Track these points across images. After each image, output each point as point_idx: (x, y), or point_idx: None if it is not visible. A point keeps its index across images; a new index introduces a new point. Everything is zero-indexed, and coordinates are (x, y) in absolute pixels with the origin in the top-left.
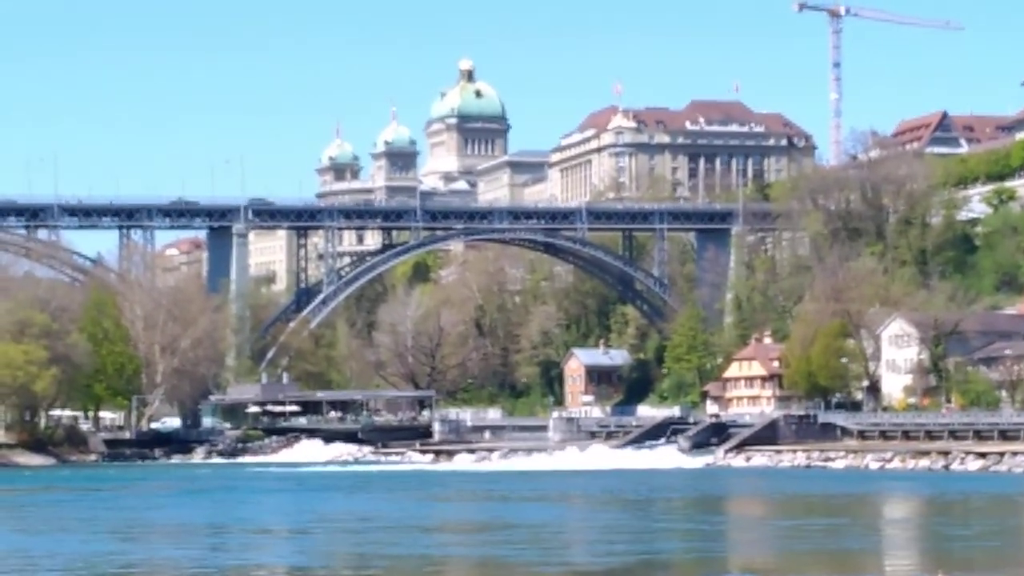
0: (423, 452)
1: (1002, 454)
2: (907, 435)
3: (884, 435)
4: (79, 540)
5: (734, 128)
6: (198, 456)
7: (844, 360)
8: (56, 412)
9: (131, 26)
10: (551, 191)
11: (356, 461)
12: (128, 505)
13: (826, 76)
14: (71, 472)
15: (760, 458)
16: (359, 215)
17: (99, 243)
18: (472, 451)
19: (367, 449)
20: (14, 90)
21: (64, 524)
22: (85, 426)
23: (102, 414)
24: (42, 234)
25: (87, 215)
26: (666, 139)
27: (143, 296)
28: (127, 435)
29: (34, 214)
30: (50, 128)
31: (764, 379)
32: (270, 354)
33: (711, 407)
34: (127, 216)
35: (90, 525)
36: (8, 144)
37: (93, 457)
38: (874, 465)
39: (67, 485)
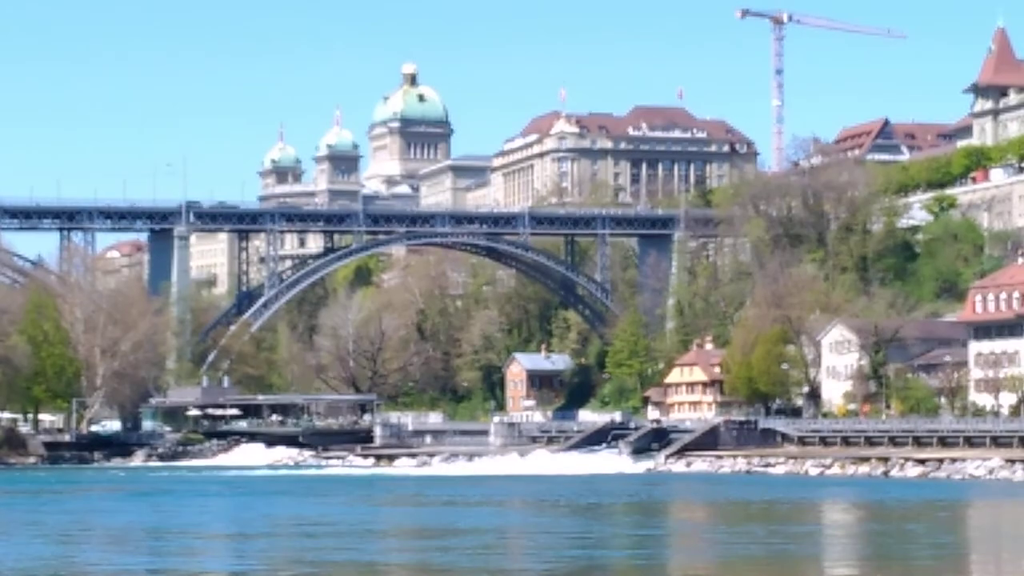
0: (364, 456)
1: (941, 460)
2: (847, 441)
3: (824, 441)
4: (19, 544)
5: (677, 134)
6: (138, 459)
7: (785, 366)
8: None
9: (74, 27)
10: (494, 196)
11: (297, 465)
12: (69, 508)
13: (769, 83)
14: (10, 474)
15: (701, 463)
16: (301, 218)
17: (39, 245)
18: (413, 455)
19: (308, 453)
20: None
21: (4, 528)
22: (24, 428)
23: (41, 416)
24: None
25: (28, 217)
26: (609, 144)
27: (83, 298)
28: (67, 438)
29: None
30: None
31: (705, 385)
32: (211, 357)
33: (652, 412)
34: (68, 218)
35: (30, 529)
36: None
37: (32, 460)
38: (814, 471)
39: (6, 488)
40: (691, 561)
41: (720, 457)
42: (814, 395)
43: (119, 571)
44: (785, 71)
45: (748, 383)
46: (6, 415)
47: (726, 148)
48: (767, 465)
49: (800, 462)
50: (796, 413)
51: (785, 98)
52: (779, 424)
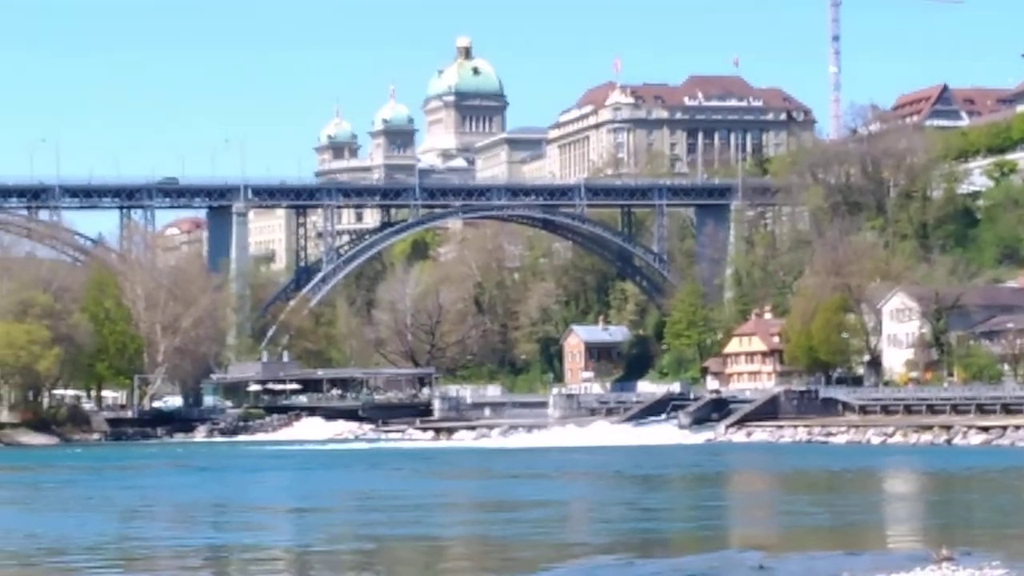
0: (423, 429)
1: (1004, 428)
2: (909, 409)
3: (886, 410)
4: (84, 520)
5: (733, 103)
6: (200, 435)
7: (845, 335)
8: (59, 392)
9: (132, 9)
10: (549, 168)
11: (357, 439)
12: (132, 484)
13: (825, 50)
14: (75, 451)
15: (761, 433)
16: (358, 193)
17: (100, 224)
18: (472, 428)
19: (367, 427)
20: (16, 72)
21: (69, 504)
22: (87, 405)
23: (104, 393)
24: (44, 215)
25: (88, 196)
26: (664, 115)
27: (144, 276)
28: (129, 414)
29: (36, 195)
30: (52, 110)
31: (764, 354)
32: (270, 333)
33: (711, 383)
34: (128, 196)
35: (95, 505)
36: (10, 126)
37: (96, 436)
38: (876, 440)
39: (70, 464)
40: (753, 531)
41: (780, 427)
42: (875, 363)
43: (183, 547)
44: (842, 37)
45: (808, 352)
46: (69, 392)
47: (783, 116)
48: (828, 435)
49: (862, 431)
50: (857, 382)
51: (842, 65)
52: (840, 393)
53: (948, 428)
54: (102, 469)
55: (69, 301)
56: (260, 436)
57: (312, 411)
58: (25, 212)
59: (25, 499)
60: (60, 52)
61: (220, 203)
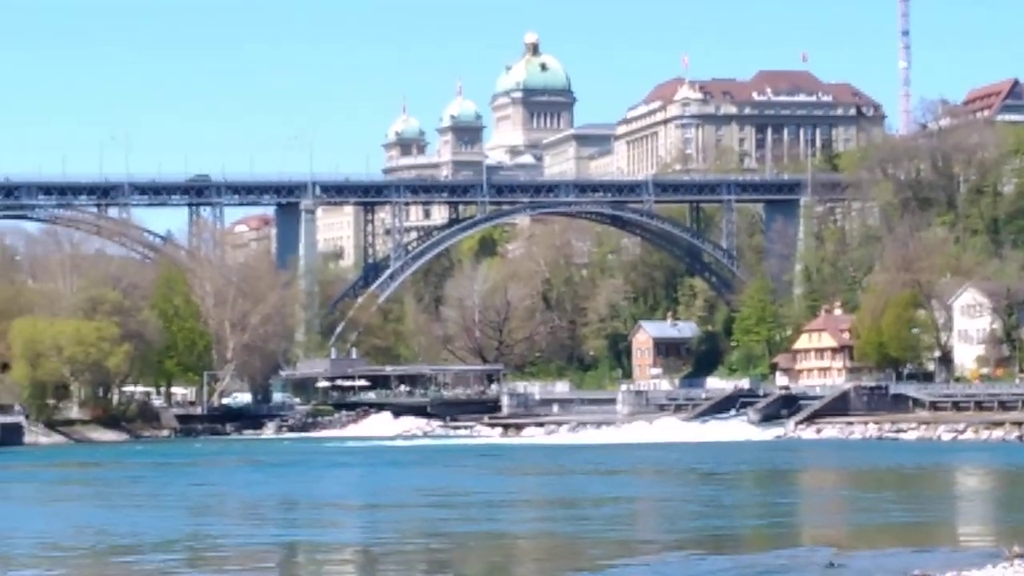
0: (492, 426)
1: None
2: (980, 406)
3: (957, 406)
4: (155, 516)
5: (802, 98)
6: (269, 431)
7: (915, 331)
8: (128, 388)
9: (200, 6)
10: (617, 164)
11: (425, 435)
12: (203, 480)
13: (895, 44)
14: (145, 447)
15: (831, 430)
16: (426, 190)
17: (169, 220)
18: (541, 424)
19: (436, 423)
20: (86, 70)
21: (141, 500)
22: (157, 402)
23: (174, 390)
24: (113, 212)
25: (157, 193)
26: (733, 110)
27: (213, 273)
28: (198, 410)
29: (105, 192)
30: (122, 107)
31: (834, 350)
32: (339, 329)
33: (780, 379)
34: (196, 193)
35: (166, 501)
36: (80, 124)
37: (165, 433)
38: (947, 436)
39: (141, 461)
40: (824, 528)
41: (851, 423)
42: (946, 359)
43: (253, 543)
44: (912, 32)
45: (878, 348)
46: (139, 389)
47: (852, 111)
48: (899, 431)
49: (932, 427)
50: (927, 378)
51: (912, 59)
52: (910, 389)
53: (1020, 424)
54: (172, 465)
55: (138, 298)
56: (328, 433)
57: (380, 407)
58: (95, 209)
59: (98, 495)
60: (130, 49)
61: (288, 200)
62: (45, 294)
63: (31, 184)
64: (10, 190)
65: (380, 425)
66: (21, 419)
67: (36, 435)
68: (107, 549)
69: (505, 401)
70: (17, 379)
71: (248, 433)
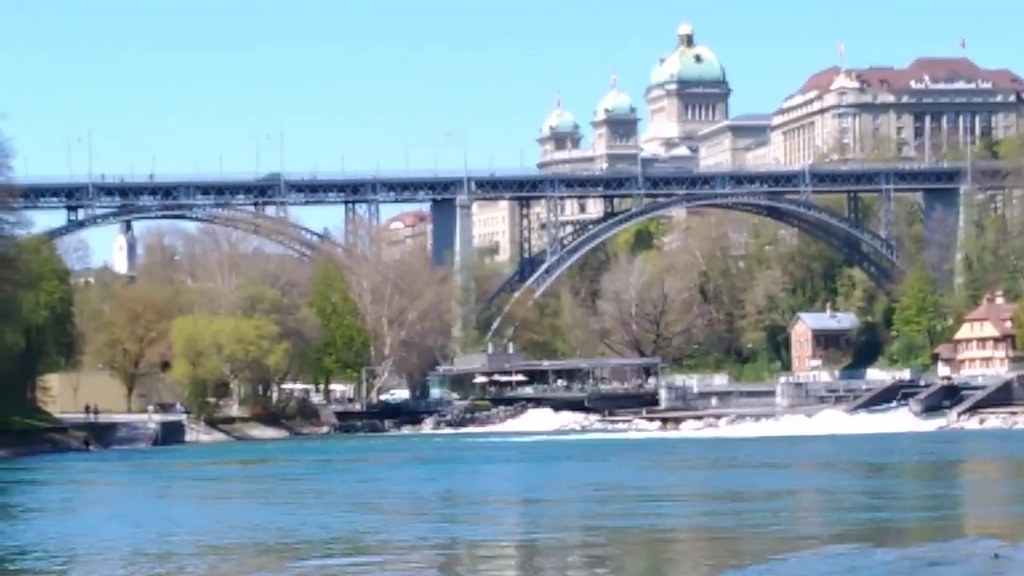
0: (650, 419)
1: None
2: None
3: None
4: (316, 513)
5: (960, 85)
6: (428, 427)
7: None
8: (288, 386)
9: (350, 3)
10: (773, 154)
11: (583, 429)
12: (363, 477)
13: None
14: (304, 444)
15: (994, 420)
16: (580, 184)
17: (325, 218)
18: (699, 418)
19: (594, 417)
20: (240, 72)
21: (301, 497)
22: (316, 399)
23: (332, 387)
24: (270, 210)
25: (313, 191)
26: (890, 98)
27: (370, 270)
28: (357, 407)
29: (262, 191)
30: (277, 106)
31: (997, 340)
32: (495, 324)
33: (942, 369)
34: (352, 191)
35: (326, 498)
36: (237, 123)
37: (325, 429)
38: None
39: (301, 457)
40: (988, 520)
41: (1015, 413)
42: None
43: (415, 540)
44: None
45: None
46: (299, 386)
47: (1012, 98)
48: None
49: None
50: None
51: None
52: None
53: None
54: (332, 462)
55: (296, 296)
56: (487, 428)
57: (538, 402)
58: (252, 208)
59: (260, 493)
60: (283, 49)
61: (444, 196)
62: (204, 293)
63: (189, 184)
64: (168, 190)
65: (538, 420)
66: (183, 417)
67: (197, 433)
68: (271, 545)
69: (663, 395)
70: (178, 378)
71: (406, 429)
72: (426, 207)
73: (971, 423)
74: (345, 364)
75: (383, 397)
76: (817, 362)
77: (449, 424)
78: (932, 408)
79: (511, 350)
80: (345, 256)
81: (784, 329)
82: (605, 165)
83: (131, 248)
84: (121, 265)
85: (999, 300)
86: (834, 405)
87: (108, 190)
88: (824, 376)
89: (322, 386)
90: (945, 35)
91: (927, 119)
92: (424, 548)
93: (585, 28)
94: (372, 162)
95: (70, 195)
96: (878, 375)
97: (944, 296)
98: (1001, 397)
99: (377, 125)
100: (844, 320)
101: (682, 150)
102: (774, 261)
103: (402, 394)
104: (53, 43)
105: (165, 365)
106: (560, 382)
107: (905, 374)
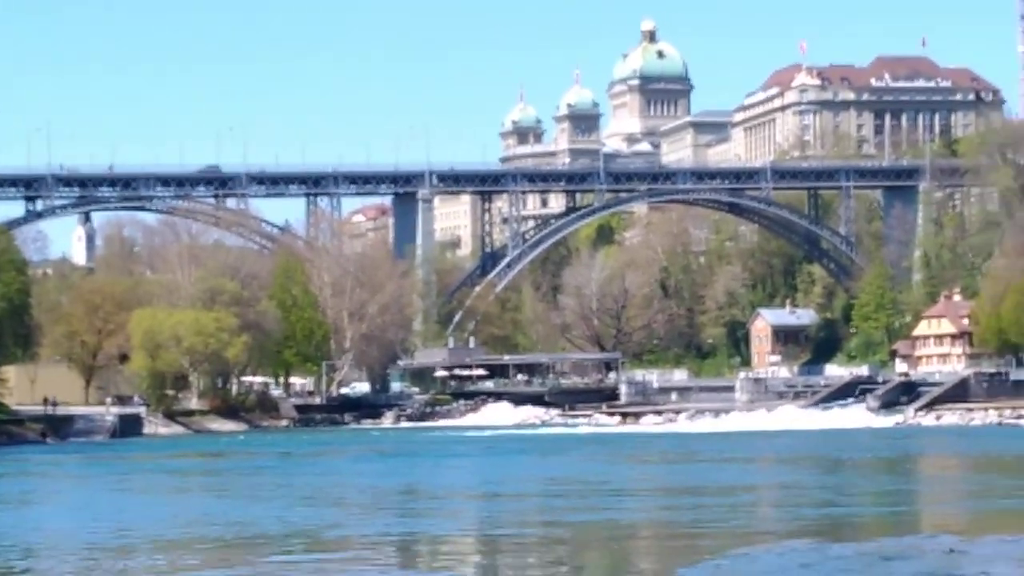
0: (610, 414)
1: None
2: None
3: None
4: (275, 507)
5: (921, 84)
6: (387, 421)
7: None
8: (247, 378)
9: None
10: (735, 151)
11: (543, 424)
12: (321, 471)
13: (1014, 28)
14: (263, 437)
15: (951, 417)
16: (543, 178)
17: (287, 211)
18: (659, 413)
19: (554, 412)
20: (202, 63)
21: (260, 491)
22: (276, 392)
23: (292, 380)
24: (231, 203)
25: (275, 183)
26: (851, 96)
27: (331, 263)
28: (317, 400)
29: (223, 183)
30: (238, 100)
31: (954, 337)
32: (456, 318)
33: (900, 366)
34: (314, 184)
35: (285, 492)
36: (197, 115)
37: (284, 423)
38: None
39: (260, 451)
40: (945, 516)
41: (971, 410)
42: None
43: (374, 534)
44: None
45: (998, 334)
46: (258, 379)
47: (971, 96)
48: (1019, 417)
49: None
50: None
51: None
52: None
53: None
54: (291, 456)
55: (257, 288)
56: (447, 422)
57: (499, 396)
58: (213, 200)
59: (219, 486)
60: (245, 41)
61: (405, 189)
62: (164, 285)
63: (149, 175)
64: (128, 181)
65: (498, 414)
66: (141, 410)
67: (155, 425)
68: (231, 540)
69: (623, 389)
70: (137, 370)
71: (366, 423)
72: (388, 200)
73: (928, 419)
74: (305, 357)
75: (343, 391)
76: (776, 358)
77: (409, 418)
78: (889, 404)
79: (472, 344)
80: (306, 249)
81: (744, 325)
82: (567, 160)
83: (90, 239)
84: (80, 256)
85: (956, 297)
86: (793, 401)
87: (67, 181)
88: (783, 372)
89: (282, 379)
90: (906, 34)
91: (887, 117)
92: (384, 543)
93: (548, 23)
94: (334, 155)
95: (28, 185)
96: (836, 371)
97: (902, 293)
98: (958, 393)
99: (339, 118)
100: (803, 316)
101: (644, 145)
102: (735, 257)
103: (362, 388)
104: (11, 33)
105: (124, 357)
106: (520, 376)
107: (863, 370)
